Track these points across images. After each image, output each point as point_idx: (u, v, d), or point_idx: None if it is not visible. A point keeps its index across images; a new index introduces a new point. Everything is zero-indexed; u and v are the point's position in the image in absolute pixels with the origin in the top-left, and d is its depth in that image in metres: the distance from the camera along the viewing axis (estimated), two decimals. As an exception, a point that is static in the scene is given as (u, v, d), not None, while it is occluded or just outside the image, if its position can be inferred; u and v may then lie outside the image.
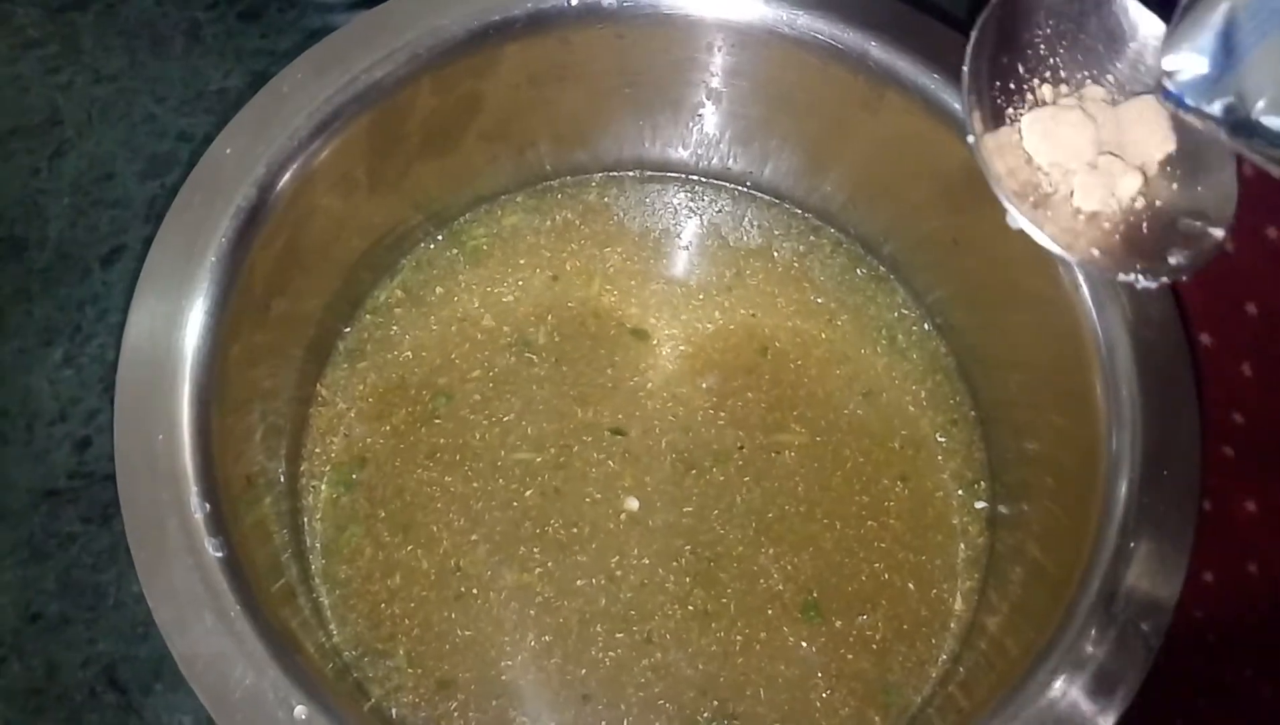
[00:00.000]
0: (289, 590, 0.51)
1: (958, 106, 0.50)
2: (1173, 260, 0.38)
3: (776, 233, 0.65)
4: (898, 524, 0.57)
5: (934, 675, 0.54)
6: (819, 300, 0.63)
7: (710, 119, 0.61)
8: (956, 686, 0.52)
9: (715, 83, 0.58)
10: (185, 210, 0.48)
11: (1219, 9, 0.35)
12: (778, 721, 0.53)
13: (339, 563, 0.55)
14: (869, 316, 0.63)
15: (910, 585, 0.56)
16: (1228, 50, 0.35)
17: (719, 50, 0.56)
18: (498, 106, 0.57)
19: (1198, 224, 0.38)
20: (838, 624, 0.55)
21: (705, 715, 0.53)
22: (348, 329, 0.61)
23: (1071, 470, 0.50)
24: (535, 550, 0.56)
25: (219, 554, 0.43)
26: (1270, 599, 0.48)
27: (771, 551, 0.56)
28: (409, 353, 0.60)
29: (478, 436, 0.58)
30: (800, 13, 0.53)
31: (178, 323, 0.46)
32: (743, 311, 0.62)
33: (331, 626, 0.54)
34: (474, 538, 0.56)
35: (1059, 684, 0.42)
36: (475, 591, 0.55)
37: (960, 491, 0.58)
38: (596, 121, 0.62)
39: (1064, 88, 0.41)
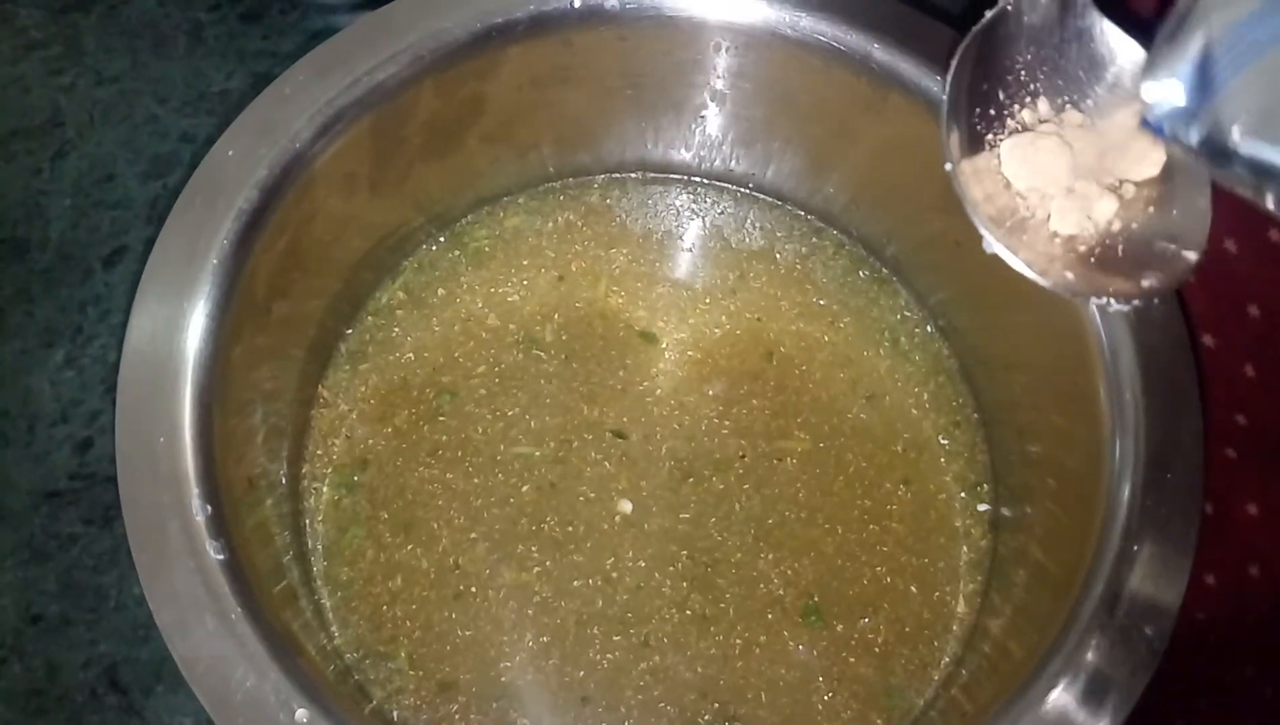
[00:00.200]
0: (290, 592, 0.51)
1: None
2: (1145, 282, 0.38)
3: (779, 235, 0.65)
4: (900, 527, 0.57)
5: (936, 678, 0.54)
6: (821, 302, 0.63)
7: (713, 121, 0.61)
8: (959, 689, 0.52)
9: (718, 85, 0.58)
10: (187, 212, 0.48)
11: (1195, 40, 0.35)
12: (779, 724, 0.53)
13: (340, 565, 0.55)
14: (871, 319, 0.63)
15: (912, 588, 0.56)
16: (1205, 80, 0.35)
17: (721, 52, 0.56)
18: (500, 108, 0.57)
19: (1172, 247, 0.38)
20: (839, 628, 0.55)
21: (706, 718, 0.53)
22: (349, 331, 0.61)
23: (1074, 472, 0.50)
24: (533, 549, 0.56)
25: (220, 556, 0.43)
26: (1271, 600, 0.48)
27: (771, 557, 0.56)
28: (410, 354, 0.60)
29: (480, 431, 0.58)
30: (803, 14, 0.53)
31: (179, 324, 0.46)
32: (748, 316, 0.62)
33: (333, 629, 0.54)
34: (473, 535, 0.56)
35: (1062, 687, 0.42)
36: (474, 590, 0.55)
37: (963, 494, 0.58)
38: (599, 123, 0.62)
39: (1045, 113, 0.41)
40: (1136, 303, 0.38)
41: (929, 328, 0.62)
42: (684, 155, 0.64)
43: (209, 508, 0.44)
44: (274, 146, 0.49)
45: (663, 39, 0.55)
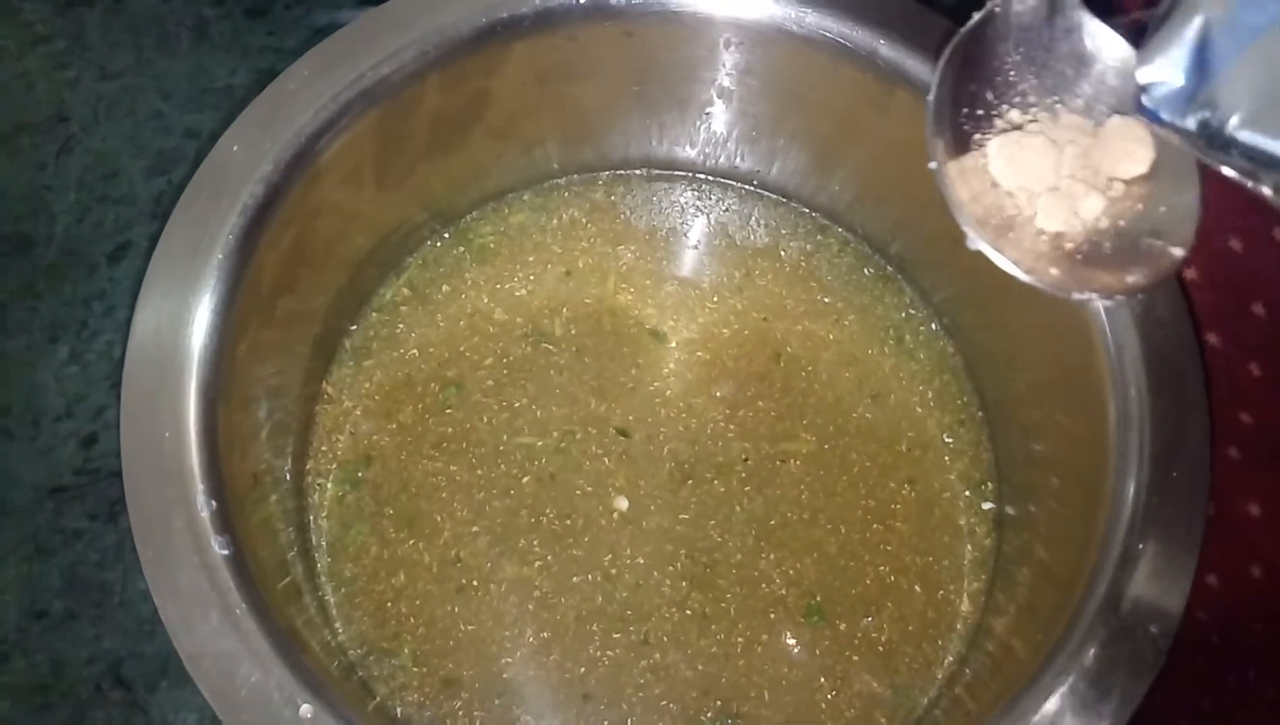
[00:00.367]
0: (294, 588, 0.51)
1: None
2: (1131, 278, 0.38)
3: (784, 232, 0.65)
4: (904, 527, 0.57)
5: (940, 677, 0.54)
6: (826, 300, 0.63)
7: (718, 117, 0.61)
8: (963, 688, 0.52)
9: (723, 81, 0.58)
10: (192, 207, 0.48)
11: (1193, 23, 0.35)
12: (783, 723, 0.53)
13: (345, 561, 0.55)
14: (876, 316, 0.63)
15: (916, 587, 0.56)
16: (1202, 65, 0.35)
17: (727, 48, 0.56)
18: (505, 104, 0.57)
19: (1159, 243, 0.39)
20: (842, 627, 0.55)
21: (708, 715, 0.53)
22: (354, 327, 0.61)
23: (1079, 471, 0.50)
24: (534, 543, 0.56)
25: (225, 552, 0.43)
26: (1274, 600, 0.48)
27: (772, 557, 0.56)
28: (415, 350, 0.60)
29: (486, 420, 0.58)
30: (809, 10, 0.53)
31: (184, 320, 0.46)
32: (755, 315, 0.62)
33: (337, 625, 0.54)
34: (475, 528, 0.56)
35: (1065, 686, 0.42)
36: (476, 584, 0.55)
37: (967, 492, 0.58)
38: (604, 120, 0.62)
39: (1033, 112, 0.41)
40: (1120, 298, 0.39)
41: (933, 325, 0.62)
42: (689, 152, 0.64)
43: (213, 503, 0.44)
44: (278, 142, 0.49)
45: (669, 35, 0.55)
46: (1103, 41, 0.40)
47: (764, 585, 0.55)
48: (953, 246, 0.59)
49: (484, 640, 0.54)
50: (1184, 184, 0.39)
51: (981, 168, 0.41)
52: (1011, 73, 0.41)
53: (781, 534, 0.56)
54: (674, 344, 0.61)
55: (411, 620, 0.54)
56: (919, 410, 0.60)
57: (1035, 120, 0.41)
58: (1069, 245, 0.39)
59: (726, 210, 0.65)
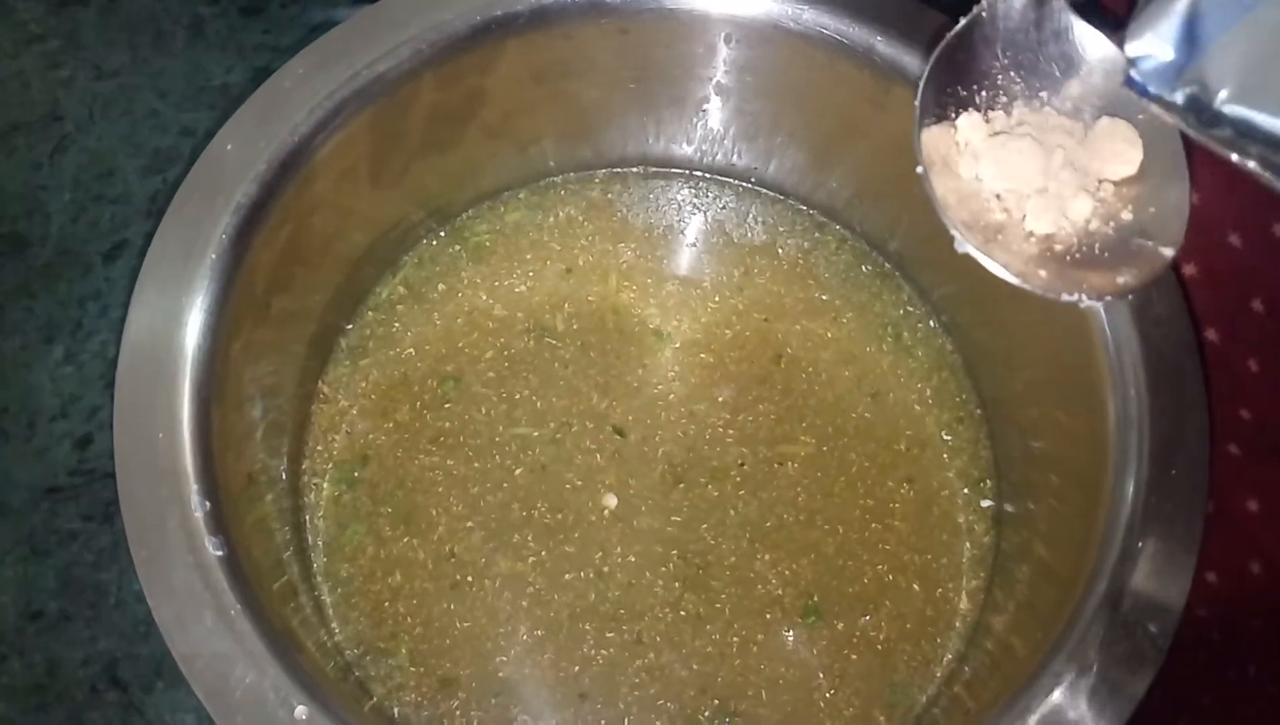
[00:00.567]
0: (290, 589, 0.51)
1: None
2: (1121, 279, 0.38)
3: (781, 230, 0.65)
4: (902, 525, 0.57)
5: (939, 675, 0.54)
6: (824, 297, 0.62)
7: (715, 114, 0.61)
8: (962, 686, 0.52)
9: (720, 78, 0.58)
10: (186, 206, 0.48)
11: None
12: (781, 721, 0.53)
13: (341, 561, 0.55)
14: (874, 314, 0.62)
15: (915, 585, 0.56)
16: (1191, 39, 0.35)
17: (724, 45, 0.56)
18: (500, 102, 0.57)
19: (1149, 243, 0.39)
20: (840, 626, 0.54)
21: (706, 714, 0.53)
22: (349, 326, 0.60)
23: (1078, 468, 0.50)
24: (528, 538, 0.56)
25: (219, 552, 0.43)
26: (1273, 597, 0.48)
27: (768, 558, 0.56)
28: (411, 349, 0.60)
29: (484, 411, 0.58)
30: (806, 7, 0.53)
31: (179, 319, 0.46)
32: (756, 315, 0.62)
33: (333, 625, 0.54)
34: (469, 523, 0.56)
35: (1065, 684, 0.42)
36: (470, 579, 0.55)
37: (966, 490, 0.58)
38: (600, 117, 0.61)
39: (1021, 114, 0.41)
40: (1109, 299, 0.39)
41: (932, 323, 0.62)
42: (686, 150, 0.64)
43: (208, 503, 0.44)
44: (273, 140, 0.49)
45: (665, 32, 0.55)
46: (1090, 44, 0.40)
47: (759, 586, 0.55)
48: (950, 244, 0.59)
49: (479, 638, 0.54)
50: (1173, 184, 0.39)
51: (970, 171, 0.41)
52: (999, 76, 0.41)
53: (777, 536, 0.56)
54: (678, 345, 0.61)
55: (408, 620, 0.54)
56: (917, 408, 0.60)
57: (1023, 122, 0.41)
58: (1058, 247, 0.39)
59: (724, 208, 0.65)
